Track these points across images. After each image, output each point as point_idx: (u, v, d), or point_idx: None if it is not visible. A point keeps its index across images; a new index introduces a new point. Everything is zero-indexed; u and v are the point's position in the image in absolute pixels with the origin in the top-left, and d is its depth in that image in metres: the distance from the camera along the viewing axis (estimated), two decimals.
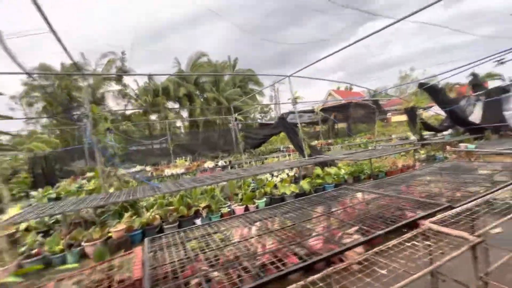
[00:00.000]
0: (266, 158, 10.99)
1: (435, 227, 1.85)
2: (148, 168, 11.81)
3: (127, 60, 18.64)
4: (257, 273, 1.99)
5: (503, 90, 7.88)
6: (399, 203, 2.98)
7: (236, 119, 11.79)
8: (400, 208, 2.86)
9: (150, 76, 20.11)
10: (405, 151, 7.04)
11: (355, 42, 4.89)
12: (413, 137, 10.03)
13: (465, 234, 1.65)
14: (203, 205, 4.64)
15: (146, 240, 2.40)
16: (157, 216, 4.39)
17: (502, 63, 4.88)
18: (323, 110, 15.36)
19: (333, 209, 3.18)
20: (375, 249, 1.75)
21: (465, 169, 4.15)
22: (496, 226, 2.23)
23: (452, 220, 2.19)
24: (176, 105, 22.37)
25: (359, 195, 3.57)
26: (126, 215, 4.22)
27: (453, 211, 2.31)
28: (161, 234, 2.66)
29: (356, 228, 2.77)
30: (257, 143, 14.72)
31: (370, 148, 10.93)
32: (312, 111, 14.49)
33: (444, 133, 9.68)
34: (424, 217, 2.50)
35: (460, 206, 2.42)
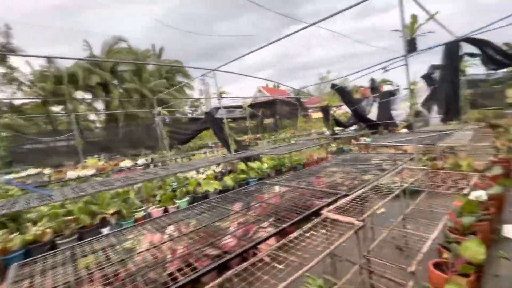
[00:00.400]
0: (193, 155, 10.56)
1: (331, 215, 2.04)
2: (47, 171, 9.77)
3: (14, 37, 14.88)
4: (161, 284, 1.80)
5: (391, 93, 9.66)
6: (308, 194, 3.23)
7: (159, 113, 10.87)
8: (309, 199, 3.10)
9: (50, 59, 16.59)
10: (320, 144, 7.86)
11: (272, 42, 5.08)
12: (327, 132, 11.30)
13: (352, 220, 1.85)
14: (111, 211, 4.05)
15: (13, 266, 1.88)
16: (48, 230, 3.60)
17: (386, 70, 5.98)
18: (251, 106, 15.79)
19: (251, 204, 3.22)
20: (278, 244, 1.80)
21: (362, 159, 4.85)
22: (380, 207, 2.62)
23: (347, 206, 2.47)
24: (88, 96, 19.25)
25: (276, 188, 3.73)
26: None
27: (348, 198, 2.61)
28: (42, 255, 2.14)
29: (270, 221, 2.87)
30: (186, 138, 14.02)
31: (292, 142, 11.80)
32: (240, 107, 14.71)
33: (351, 128, 11.26)
34: (326, 206, 2.77)
35: (354, 193, 2.77)
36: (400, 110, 9.28)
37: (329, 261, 2.40)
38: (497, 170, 3.44)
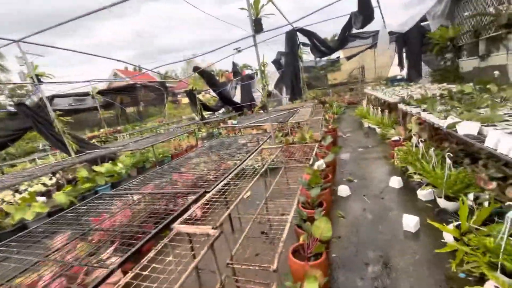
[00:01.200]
0: (13, 165, 7.42)
1: (184, 228, 1.61)
2: None
3: None
4: None
5: (250, 77, 10.37)
6: (167, 197, 2.68)
7: None
8: (166, 205, 2.56)
9: None
10: (188, 132, 7.36)
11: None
12: (198, 118, 10.92)
13: (207, 230, 1.49)
14: None
15: None
16: None
17: (239, 51, 6.21)
18: (103, 92, 12.90)
19: (87, 229, 2.32)
20: (125, 279, 1.19)
21: (228, 143, 4.76)
22: (246, 192, 2.44)
23: (208, 206, 2.12)
24: None
25: (128, 197, 2.93)
26: None
27: (209, 195, 2.28)
28: None
29: (114, 246, 2.15)
30: (1, 141, 9.79)
31: (161, 131, 10.67)
32: (87, 94, 11.66)
33: (219, 112, 11.40)
34: (192, 204, 2.34)
35: (217, 185, 2.48)
36: (259, 92, 10.16)
37: (195, 275, 2.02)
38: (329, 139, 4.15)
